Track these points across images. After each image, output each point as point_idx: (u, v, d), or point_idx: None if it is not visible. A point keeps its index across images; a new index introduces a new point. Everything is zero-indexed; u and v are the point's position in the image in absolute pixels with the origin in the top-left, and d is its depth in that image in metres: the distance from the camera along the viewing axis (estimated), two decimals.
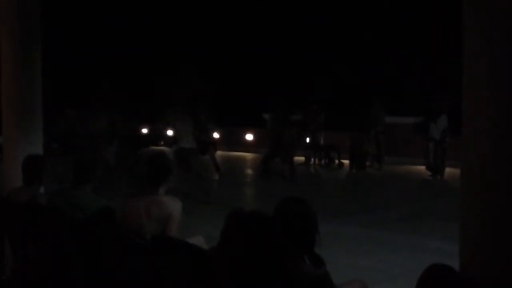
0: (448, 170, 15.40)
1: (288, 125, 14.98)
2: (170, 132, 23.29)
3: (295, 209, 3.37)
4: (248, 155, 21.18)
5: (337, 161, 18.01)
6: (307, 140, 18.28)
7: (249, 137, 22.32)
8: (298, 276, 2.91)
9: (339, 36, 21.87)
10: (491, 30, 3.09)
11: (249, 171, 17.89)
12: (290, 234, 3.25)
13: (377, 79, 20.88)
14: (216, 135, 20.82)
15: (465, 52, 3.28)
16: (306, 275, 3.02)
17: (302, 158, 18.31)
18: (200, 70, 21.60)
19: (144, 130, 23.61)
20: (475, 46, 3.21)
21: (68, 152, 16.43)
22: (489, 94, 3.10)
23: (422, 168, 16.49)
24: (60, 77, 22.50)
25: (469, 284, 2.90)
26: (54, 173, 6.78)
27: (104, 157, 13.09)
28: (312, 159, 18.48)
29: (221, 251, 2.30)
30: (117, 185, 12.35)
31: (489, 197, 3.07)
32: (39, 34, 7.05)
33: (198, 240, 4.60)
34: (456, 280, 2.68)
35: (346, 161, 17.63)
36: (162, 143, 23.78)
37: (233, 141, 22.67)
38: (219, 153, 16.40)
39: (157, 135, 23.90)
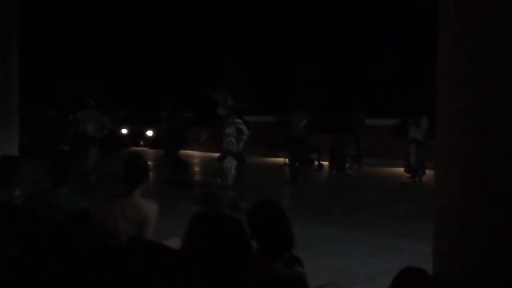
0: (427, 172, 15.48)
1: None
2: (149, 133, 23.25)
3: (265, 212, 3.37)
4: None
5: (317, 163, 18.05)
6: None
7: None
8: (272, 278, 2.91)
9: (317, 37, 21.90)
10: (464, 30, 3.12)
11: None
12: (264, 236, 3.25)
13: (357, 81, 20.97)
14: None
15: (440, 53, 3.31)
16: (280, 276, 3.02)
17: (281, 159, 18.33)
18: None
19: (124, 131, 23.46)
20: (449, 46, 3.25)
21: (47, 153, 16.32)
22: (462, 92, 3.13)
23: (401, 170, 16.58)
24: (41, 78, 22.35)
25: (442, 286, 2.92)
26: (32, 174, 6.72)
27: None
28: None
29: (185, 252, 2.30)
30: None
31: (463, 199, 3.10)
32: (16, 33, 6.98)
33: (174, 242, 4.57)
34: (428, 283, 2.69)
35: (325, 163, 17.67)
36: (142, 143, 23.73)
37: None
38: None
39: (136, 136, 23.81)
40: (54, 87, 22.54)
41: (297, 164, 15.72)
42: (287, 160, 16.65)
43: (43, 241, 4.51)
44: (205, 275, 2.21)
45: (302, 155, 16.53)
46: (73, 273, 4.22)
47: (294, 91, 18.61)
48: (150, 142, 23.23)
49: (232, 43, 22.91)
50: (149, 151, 21.78)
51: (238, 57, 22.15)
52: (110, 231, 4.44)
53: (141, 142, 23.76)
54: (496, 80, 3.03)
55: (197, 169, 18.28)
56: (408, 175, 16.15)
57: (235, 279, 2.20)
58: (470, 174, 3.06)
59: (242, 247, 2.26)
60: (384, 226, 9.72)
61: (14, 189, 5.58)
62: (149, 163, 8.31)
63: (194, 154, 20.66)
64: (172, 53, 24.54)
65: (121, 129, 23.02)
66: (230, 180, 10.76)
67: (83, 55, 23.94)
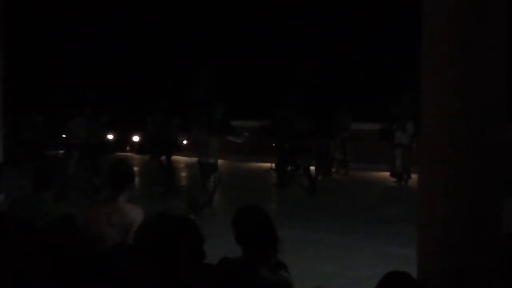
0: (413, 176, 15.53)
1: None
2: (136, 138, 23.14)
3: (250, 217, 3.37)
4: None
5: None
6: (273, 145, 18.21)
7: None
8: (257, 283, 2.91)
9: (304, 40, 21.93)
10: (457, 37, 3.14)
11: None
12: (249, 242, 3.25)
13: (343, 85, 20.99)
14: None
15: (424, 57, 3.32)
16: (266, 281, 3.02)
17: (268, 164, 18.27)
18: None
19: (110, 136, 23.31)
20: (437, 52, 3.26)
21: (33, 158, 16.22)
22: (447, 97, 3.14)
23: (387, 174, 16.62)
24: (27, 83, 22.21)
25: None
26: (18, 179, 6.69)
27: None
28: None
29: (138, 250, 2.33)
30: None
31: (447, 203, 3.11)
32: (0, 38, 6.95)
33: None
34: (413, 287, 2.70)
35: (311, 167, 17.64)
36: (128, 148, 23.61)
37: None
38: None
39: (123, 141, 23.68)
40: (41, 91, 22.42)
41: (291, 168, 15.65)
42: (273, 165, 16.59)
43: (29, 247, 4.47)
44: (154, 271, 2.23)
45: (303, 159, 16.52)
46: (59, 279, 4.19)
47: (281, 94, 18.58)
48: (136, 147, 23.12)
49: (219, 45, 22.89)
50: (135, 156, 21.68)
51: (223, 60, 22.12)
52: (95, 237, 4.42)
53: (127, 148, 23.65)
54: (482, 85, 3.05)
55: (183, 174, 18.23)
56: (393, 179, 16.19)
57: (184, 277, 2.22)
58: (455, 178, 3.07)
59: (190, 246, 2.28)
60: (370, 230, 9.74)
61: None
62: (135, 168, 8.23)
63: (181, 159, 20.63)
64: (158, 58, 24.47)
65: (107, 134, 22.88)
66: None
67: (69, 59, 23.83)
